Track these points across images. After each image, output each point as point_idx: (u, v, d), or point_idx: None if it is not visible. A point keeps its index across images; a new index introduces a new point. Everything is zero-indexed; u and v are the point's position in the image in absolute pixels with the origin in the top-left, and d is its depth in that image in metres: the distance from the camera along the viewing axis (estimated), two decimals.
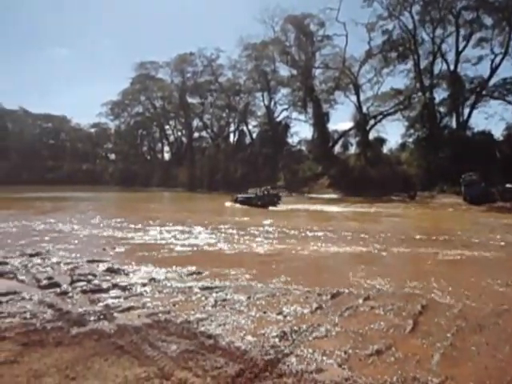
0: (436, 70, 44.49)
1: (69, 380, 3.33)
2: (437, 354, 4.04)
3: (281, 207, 26.42)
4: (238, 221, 17.05)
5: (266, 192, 28.35)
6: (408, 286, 6.71)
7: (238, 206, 26.95)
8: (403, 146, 47.41)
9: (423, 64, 44.70)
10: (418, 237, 13.10)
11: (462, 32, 41.83)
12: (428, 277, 7.26)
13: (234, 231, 13.51)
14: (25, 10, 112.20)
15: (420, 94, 44.37)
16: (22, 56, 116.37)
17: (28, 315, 4.86)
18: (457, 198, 29.39)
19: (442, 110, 44.06)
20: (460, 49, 42.05)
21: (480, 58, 42.08)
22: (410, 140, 45.63)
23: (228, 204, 28.40)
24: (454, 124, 43.10)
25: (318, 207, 26.99)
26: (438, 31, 43.15)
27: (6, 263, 7.77)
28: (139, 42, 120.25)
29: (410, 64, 46.21)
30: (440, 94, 44.76)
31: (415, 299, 5.84)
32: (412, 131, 44.86)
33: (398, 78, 53.64)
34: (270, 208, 25.49)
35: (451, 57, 43.05)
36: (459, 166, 31.56)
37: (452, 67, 42.91)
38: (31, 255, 8.60)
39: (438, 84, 44.75)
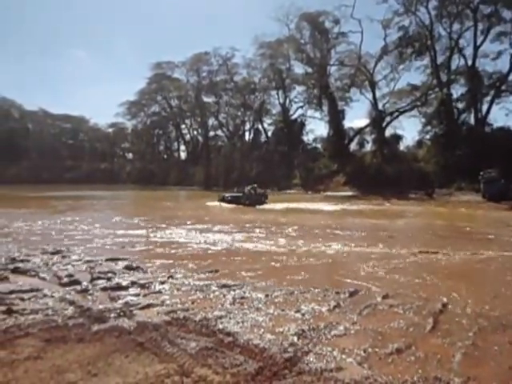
0: (453, 65, 43.77)
1: (91, 376, 3.37)
2: (458, 353, 3.96)
3: (268, 206, 25.47)
4: (241, 219, 17.06)
5: (253, 190, 27.15)
6: (427, 284, 6.62)
7: (224, 205, 25.63)
8: (420, 142, 46.84)
9: (440, 59, 43.97)
10: (437, 234, 12.91)
11: (480, 26, 40.94)
12: (450, 276, 7.16)
13: (244, 228, 13.60)
14: (42, 13, 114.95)
15: (437, 90, 43.61)
16: (41, 58, 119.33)
17: (50, 312, 4.95)
18: (476, 196, 28.83)
19: (459, 106, 43.30)
20: (478, 43, 41.19)
21: (499, 53, 41.26)
22: (427, 137, 45.03)
23: (212, 204, 26.49)
24: (472, 120, 42.30)
25: (308, 205, 26.08)
26: (456, 26, 42.43)
27: (28, 261, 7.94)
28: (155, 42, 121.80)
29: (426, 60, 45.63)
30: (458, 90, 44.12)
31: (435, 298, 5.74)
32: (429, 128, 44.22)
33: (415, 74, 53.13)
34: (258, 207, 24.52)
35: (469, 52, 42.34)
36: (478, 162, 30.91)
37: (470, 62, 42.12)
38: (52, 253, 8.77)
39: (456, 80, 43.98)
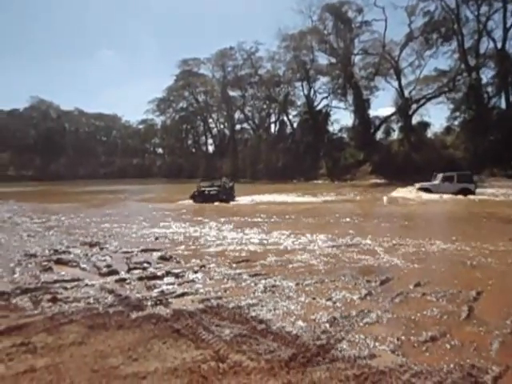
0: (482, 49, 42.58)
1: (131, 361, 3.50)
2: (495, 341, 3.86)
3: (243, 200, 23.27)
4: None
5: (226, 184, 23.89)
6: (460, 272, 6.50)
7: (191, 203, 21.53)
8: (448, 129, 45.59)
9: (468, 44, 42.84)
10: (476, 222, 12.54)
11: (510, 8, 39.66)
12: (484, 264, 6.97)
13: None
14: (73, 18, 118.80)
15: (465, 74, 42.39)
16: (75, 60, 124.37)
17: (91, 300, 5.18)
18: (508, 181, 27.76)
19: (489, 90, 41.91)
20: (508, 25, 39.74)
21: None
22: (456, 123, 44.12)
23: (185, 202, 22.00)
24: (503, 104, 40.95)
25: (282, 198, 24.51)
26: (484, 8, 41.17)
27: (70, 252, 8.34)
28: (181, 40, 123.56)
29: (453, 45, 44.54)
30: (487, 74, 42.92)
31: (469, 285, 5.61)
32: (458, 114, 43.25)
33: (442, 60, 51.71)
34: (232, 203, 21.90)
35: (498, 34, 41.16)
36: (510, 147, 29.85)
37: (499, 45, 40.86)
38: (90, 245, 9.15)
39: (485, 63, 42.57)
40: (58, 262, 7.47)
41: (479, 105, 39.71)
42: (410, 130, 46.36)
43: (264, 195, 26.34)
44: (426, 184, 25.05)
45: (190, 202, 21.72)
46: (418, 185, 25.61)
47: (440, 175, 24.94)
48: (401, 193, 25.45)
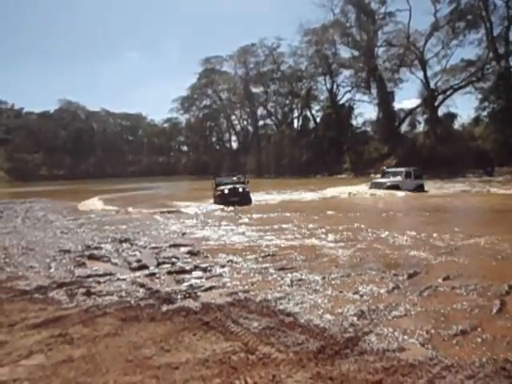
0: None
1: (164, 351, 3.61)
2: None
3: (266, 197, 22.23)
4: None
5: (245, 180, 20.72)
6: (491, 266, 6.35)
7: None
8: (477, 120, 43.97)
9: (497, 31, 40.96)
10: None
11: None
12: None
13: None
14: (98, 21, 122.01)
15: (494, 63, 40.74)
16: (99, 62, 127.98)
17: (123, 294, 5.35)
18: None
19: None
20: None
21: None
22: (485, 113, 42.34)
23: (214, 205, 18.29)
24: None
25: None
26: None
27: (101, 248, 8.62)
28: (202, 39, 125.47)
29: (481, 33, 42.64)
30: None
31: (500, 278, 5.47)
32: (486, 104, 41.56)
33: (469, 49, 49.95)
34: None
35: None
36: None
37: None
38: (120, 241, 9.41)
39: None
40: (91, 257, 7.75)
41: (509, 94, 38.31)
42: (436, 122, 45.16)
43: (276, 193, 26.15)
44: (394, 180, 23.33)
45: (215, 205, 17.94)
46: (387, 181, 23.51)
47: (402, 170, 23.69)
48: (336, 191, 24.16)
